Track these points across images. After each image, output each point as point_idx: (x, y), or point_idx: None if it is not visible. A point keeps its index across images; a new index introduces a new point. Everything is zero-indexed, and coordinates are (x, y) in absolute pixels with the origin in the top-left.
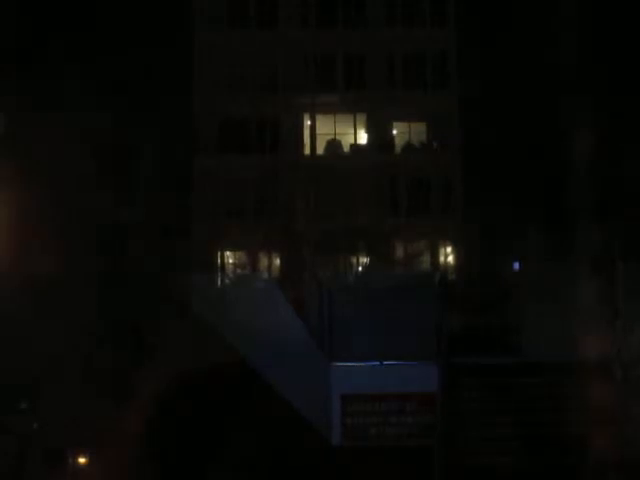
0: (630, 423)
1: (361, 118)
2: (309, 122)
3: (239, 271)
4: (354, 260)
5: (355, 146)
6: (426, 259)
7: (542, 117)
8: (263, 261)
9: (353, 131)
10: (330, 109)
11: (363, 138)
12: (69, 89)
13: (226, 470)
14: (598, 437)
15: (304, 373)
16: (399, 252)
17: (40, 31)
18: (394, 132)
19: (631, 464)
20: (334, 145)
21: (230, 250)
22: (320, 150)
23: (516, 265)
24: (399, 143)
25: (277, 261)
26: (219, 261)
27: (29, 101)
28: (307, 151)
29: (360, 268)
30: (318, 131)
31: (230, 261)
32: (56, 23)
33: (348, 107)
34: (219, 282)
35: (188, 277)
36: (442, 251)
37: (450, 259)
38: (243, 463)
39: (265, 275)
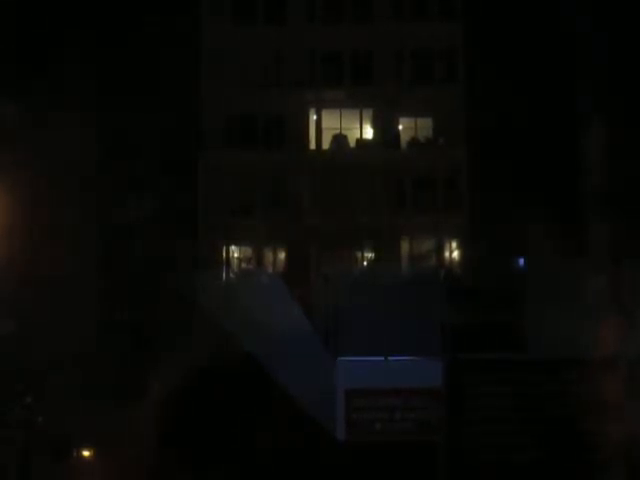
0: (636, 420)
1: (367, 113)
2: (315, 117)
3: (244, 266)
4: (359, 256)
5: (361, 141)
6: (432, 255)
7: (550, 115)
8: (268, 257)
9: (359, 126)
10: (336, 104)
11: (369, 133)
12: (74, 85)
13: (230, 465)
14: (604, 434)
15: (309, 368)
16: (404, 248)
17: (46, 26)
18: (400, 127)
19: (635, 461)
20: (340, 140)
21: (235, 245)
22: (326, 145)
23: (521, 261)
24: (404, 138)
25: (282, 256)
26: (224, 256)
27: (30, 99)
28: (313, 146)
29: (365, 264)
30: (324, 126)
31: (235, 256)
32: (63, 18)
33: (354, 103)
34: (224, 278)
35: (193, 272)
36: (448, 247)
37: (455, 255)
38: (247, 458)
39: (270, 271)
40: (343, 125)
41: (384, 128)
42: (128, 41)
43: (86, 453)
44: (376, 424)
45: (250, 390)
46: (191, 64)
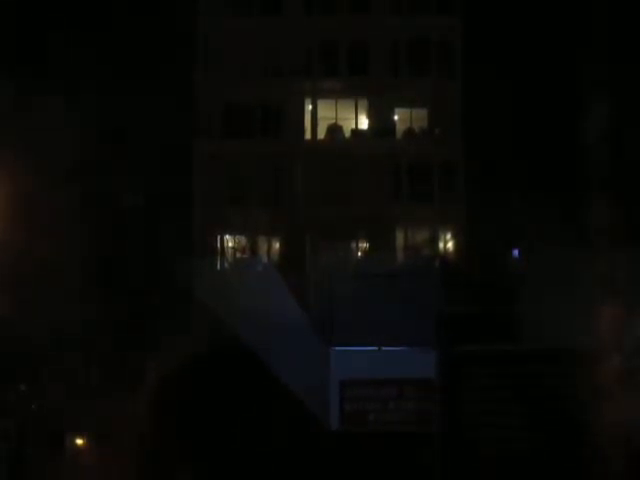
0: (632, 411)
1: (362, 103)
2: (310, 107)
3: (239, 256)
4: (355, 245)
5: (356, 131)
6: (427, 245)
7: (545, 104)
8: (263, 246)
9: (354, 116)
10: (332, 94)
11: (364, 123)
12: (68, 74)
13: (224, 454)
14: (603, 425)
15: (303, 358)
16: (400, 238)
17: (39, 11)
18: (395, 118)
19: (634, 452)
20: (335, 130)
21: (230, 235)
22: (321, 135)
23: (518, 251)
24: (400, 129)
25: (277, 246)
26: (219, 245)
27: (21, 85)
28: (308, 136)
29: (361, 254)
30: (319, 116)
31: (230, 245)
32: (58, 4)
33: (350, 93)
34: (219, 266)
35: (188, 261)
36: (443, 237)
37: (451, 245)
38: (240, 447)
39: (265, 260)
40: (339, 115)
41: (379, 119)
42: (125, 30)
43: (80, 441)
44: (370, 415)
45: (244, 380)
46: (188, 54)
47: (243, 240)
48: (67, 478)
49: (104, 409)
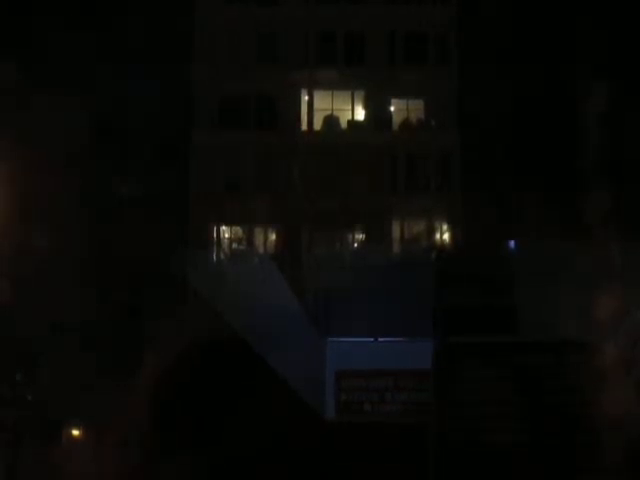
0: (630, 403)
1: (359, 94)
2: (306, 98)
3: (235, 247)
4: (351, 237)
5: (352, 122)
6: (424, 237)
7: (543, 94)
8: (259, 238)
9: (351, 108)
10: (328, 85)
11: (361, 115)
12: (65, 65)
13: (220, 446)
14: (595, 417)
15: (299, 348)
16: (396, 230)
17: (40, 10)
18: (392, 109)
19: (628, 445)
20: (331, 121)
21: (226, 226)
22: (318, 126)
23: (514, 243)
24: (397, 120)
25: (273, 237)
26: (215, 237)
27: (17, 76)
28: (304, 127)
29: (357, 245)
30: (316, 107)
31: (226, 237)
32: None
33: (346, 84)
34: (215, 257)
35: (184, 253)
36: (440, 228)
37: (447, 237)
38: (236, 437)
39: (261, 252)
40: (335, 106)
41: (376, 110)
42: (120, 21)
43: (76, 432)
44: (366, 405)
45: (240, 371)
46: (184, 43)
47: (240, 231)
48: (64, 469)
49: (102, 401)
